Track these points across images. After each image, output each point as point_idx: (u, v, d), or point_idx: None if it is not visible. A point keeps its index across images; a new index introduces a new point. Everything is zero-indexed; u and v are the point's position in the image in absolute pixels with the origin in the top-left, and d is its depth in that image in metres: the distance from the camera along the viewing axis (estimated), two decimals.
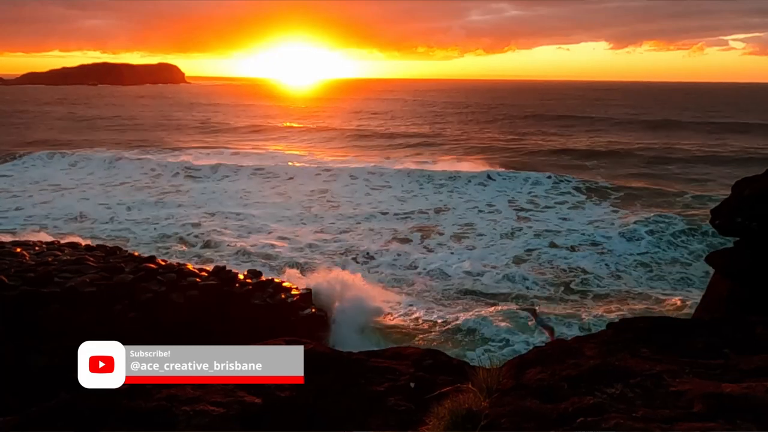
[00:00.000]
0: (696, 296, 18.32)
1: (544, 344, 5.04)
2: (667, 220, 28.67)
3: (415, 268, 23.95)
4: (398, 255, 25.36)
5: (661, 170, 47.02)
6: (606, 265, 24.22)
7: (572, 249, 26.09)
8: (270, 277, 17.93)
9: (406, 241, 27.75)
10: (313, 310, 17.42)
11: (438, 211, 33.58)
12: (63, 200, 35.86)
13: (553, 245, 26.55)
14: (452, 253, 25.71)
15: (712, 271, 7.53)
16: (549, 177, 39.98)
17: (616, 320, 5.46)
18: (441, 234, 29.00)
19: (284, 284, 17.45)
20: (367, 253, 25.54)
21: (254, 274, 17.58)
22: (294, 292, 17.11)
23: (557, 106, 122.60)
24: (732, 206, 6.47)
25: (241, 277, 16.85)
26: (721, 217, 6.51)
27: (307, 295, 17.47)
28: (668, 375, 4.06)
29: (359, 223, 30.88)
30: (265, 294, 16.37)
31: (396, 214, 32.60)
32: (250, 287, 16.35)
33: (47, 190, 38.71)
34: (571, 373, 4.20)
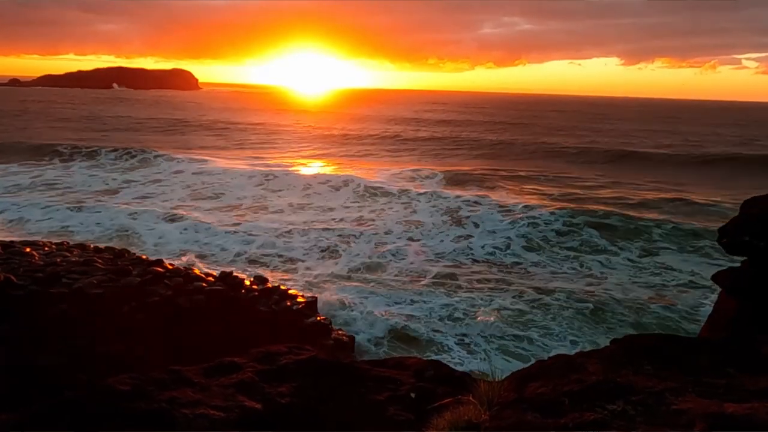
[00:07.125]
0: None
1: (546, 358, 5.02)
2: None
3: None
4: None
5: None
6: None
7: None
8: (276, 284, 17.95)
9: None
10: (319, 318, 17.41)
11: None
12: None
13: None
14: None
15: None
16: None
17: (620, 337, 5.43)
18: None
19: (290, 291, 17.46)
20: None
21: (260, 280, 17.61)
22: (300, 299, 17.09)
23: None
24: (739, 225, 6.41)
25: (247, 283, 16.86)
26: (727, 235, 6.45)
27: (313, 303, 17.45)
28: (671, 393, 4.03)
29: None
30: (270, 301, 16.36)
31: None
32: (256, 293, 16.36)
33: None
34: (573, 388, 4.18)
